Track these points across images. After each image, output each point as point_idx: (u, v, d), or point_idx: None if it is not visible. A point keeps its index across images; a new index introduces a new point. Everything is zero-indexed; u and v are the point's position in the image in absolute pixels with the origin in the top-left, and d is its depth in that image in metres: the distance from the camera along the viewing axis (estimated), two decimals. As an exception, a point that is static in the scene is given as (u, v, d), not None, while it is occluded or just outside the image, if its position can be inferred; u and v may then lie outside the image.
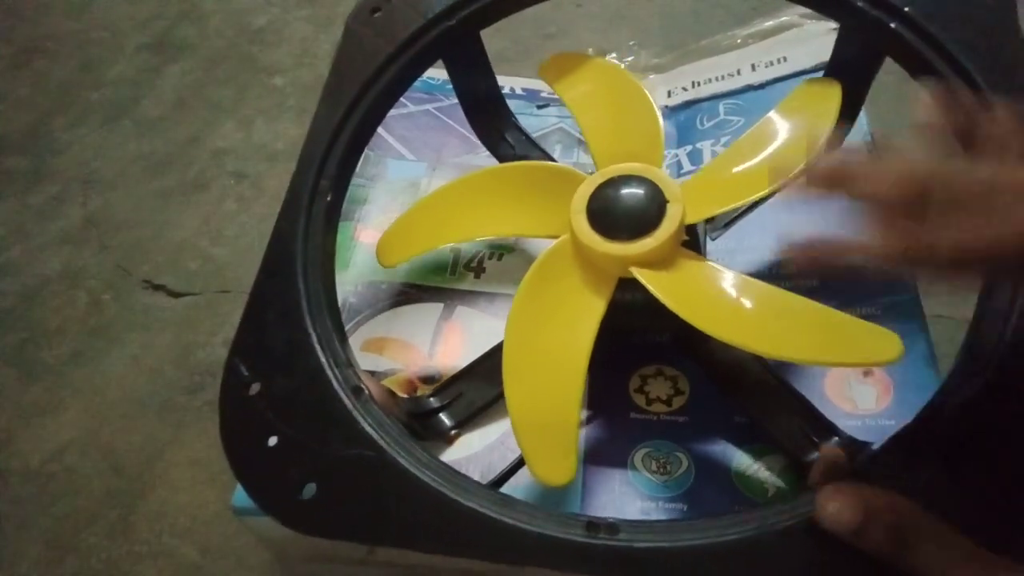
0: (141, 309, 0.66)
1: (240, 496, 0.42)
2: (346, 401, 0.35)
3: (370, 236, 0.54)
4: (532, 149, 0.55)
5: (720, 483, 0.41)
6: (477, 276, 0.52)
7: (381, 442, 0.33)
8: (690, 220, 0.39)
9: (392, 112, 0.51)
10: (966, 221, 0.25)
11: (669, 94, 0.65)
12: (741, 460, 0.41)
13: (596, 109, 0.47)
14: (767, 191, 0.39)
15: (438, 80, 0.66)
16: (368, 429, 0.34)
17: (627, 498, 0.40)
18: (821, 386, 0.43)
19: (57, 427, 0.59)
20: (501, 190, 0.45)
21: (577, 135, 0.61)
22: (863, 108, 0.57)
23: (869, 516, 0.26)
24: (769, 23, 0.68)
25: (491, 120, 0.55)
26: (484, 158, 0.57)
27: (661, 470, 0.41)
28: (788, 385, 0.40)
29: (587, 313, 0.38)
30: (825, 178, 0.29)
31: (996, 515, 0.27)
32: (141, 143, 0.80)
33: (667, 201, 0.38)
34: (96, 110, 0.84)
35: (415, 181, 0.58)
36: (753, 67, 0.63)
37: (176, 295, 0.66)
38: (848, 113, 0.45)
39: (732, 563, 0.28)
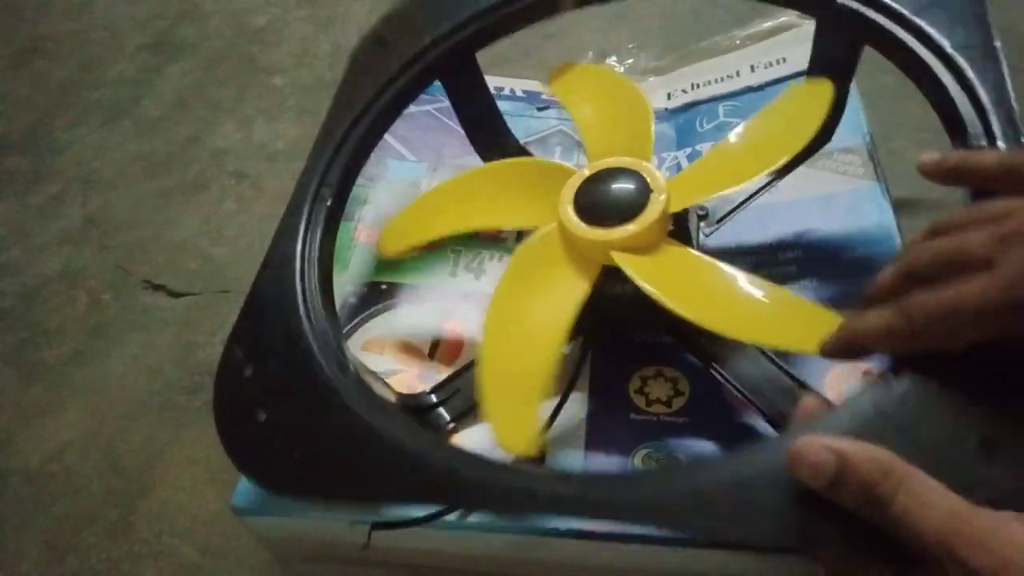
0: (141, 309, 0.66)
1: (240, 496, 0.42)
2: (330, 374, 0.36)
3: (370, 236, 0.54)
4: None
5: None
6: (477, 277, 0.52)
7: (362, 412, 0.34)
8: (674, 208, 0.40)
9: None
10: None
11: (669, 96, 0.65)
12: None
13: (592, 109, 0.49)
14: (751, 179, 0.41)
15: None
16: (350, 400, 0.35)
17: None
18: (820, 386, 0.43)
19: (57, 427, 0.59)
20: (496, 185, 0.47)
21: (577, 137, 0.61)
22: (863, 109, 0.57)
23: (844, 468, 0.25)
24: (768, 24, 0.68)
25: (489, 136, 0.56)
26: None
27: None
28: (788, 372, 0.40)
29: (569, 294, 0.39)
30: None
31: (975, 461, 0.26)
32: (141, 143, 0.80)
33: (651, 191, 0.40)
34: (96, 110, 0.84)
35: (415, 181, 0.58)
36: (752, 68, 0.63)
37: (176, 295, 0.66)
38: (835, 107, 0.46)
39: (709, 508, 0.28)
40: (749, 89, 0.62)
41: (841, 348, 0.31)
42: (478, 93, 0.54)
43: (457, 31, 0.48)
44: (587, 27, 0.86)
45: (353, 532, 0.40)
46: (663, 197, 0.39)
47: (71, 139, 0.81)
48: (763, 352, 0.41)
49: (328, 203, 0.43)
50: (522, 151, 0.57)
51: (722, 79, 0.64)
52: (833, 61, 0.46)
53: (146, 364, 0.62)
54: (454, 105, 0.54)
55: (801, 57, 0.61)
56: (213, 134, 0.80)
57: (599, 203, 0.40)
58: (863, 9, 0.41)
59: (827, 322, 0.32)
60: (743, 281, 0.37)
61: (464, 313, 0.50)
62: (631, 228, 0.38)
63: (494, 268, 0.52)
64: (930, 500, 0.24)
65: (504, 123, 0.56)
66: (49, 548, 0.52)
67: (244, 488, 0.42)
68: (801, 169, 0.51)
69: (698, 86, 0.64)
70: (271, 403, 0.36)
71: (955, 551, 0.22)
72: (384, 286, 0.52)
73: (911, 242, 0.31)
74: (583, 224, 0.39)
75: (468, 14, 0.48)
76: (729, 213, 0.49)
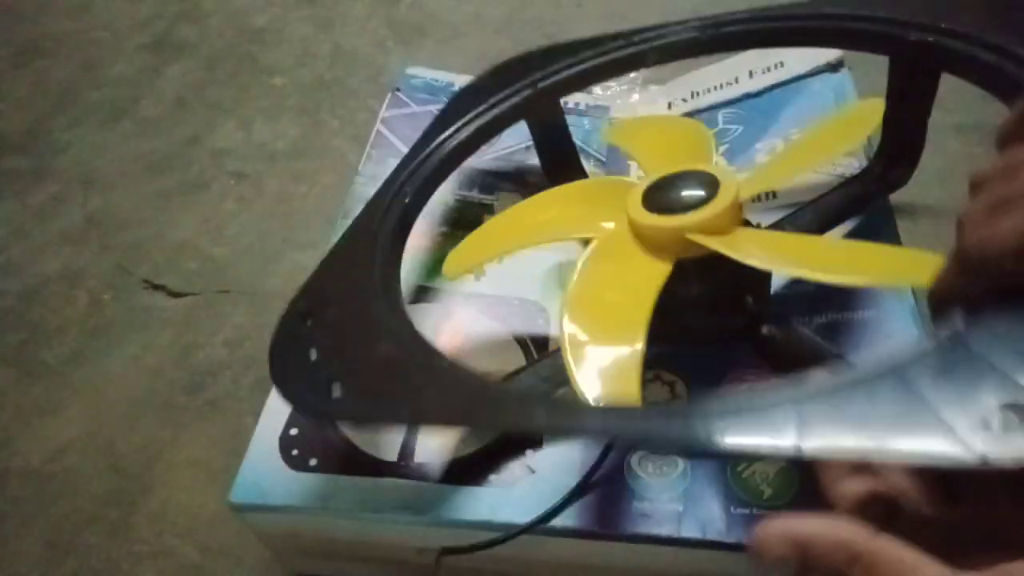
0: (141, 309, 0.66)
1: (238, 492, 0.42)
2: (382, 310, 0.37)
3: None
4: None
5: (715, 485, 0.41)
6: (477, 278, 0.52)
7: (400, 338, 0.35)
8: (745, 194, 0.40)
9: (395, 112, 0.51)
10: None
11: (669, 106, 0.65)
12: (737, 462, 0.41)
13: (649, 136, 0.52)
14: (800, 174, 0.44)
15: (441, 82, 0.66)
16: (399, 328, 0.35)
17: (623, 502, 0.40)
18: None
19: (57, 427, 0.59)
20: (558, 203, 0.47)
21: (580, 144, 0.61)
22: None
23: (806, 560, 0.22)
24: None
25: (566, 173, 0.57)
26: (486, 160, 0.58)
27: (658, 472, 0.41)
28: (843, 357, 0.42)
29: (648, 280, 0.38)
30: None
31: None
32: (141, 143, 0.80)
33: (720, 181, 0.40)
34: (96, 110, 0.84)
35: (416, 180, 0.59)
36: (751, 74, 0.64)
37: (176, 295, 0.66)
38: (908, 136, 0.49)
39: None
40: (747, 96, 0.62)
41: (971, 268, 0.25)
42: (559, 133, 0.57)
43: (547, 78, 0.52)
44: (587, 27, 0.86)
45: (421, 557, 0.40)
46: (734, 181, 0.39)
47: (71, 139, 0.81)
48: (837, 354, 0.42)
49: (407, 200, 0.45)
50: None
51: (721, 86, 0.64)
52: (911, 94, 0.47)
53: (146, 364, 0.62)
54: (537, 144, 0.57)
55: (798, 61, 0.62)
56: (213, 134, 0.80)
57: (669, 197, 0.40)
58: (937, 38, 0.41)
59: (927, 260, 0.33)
60: (835, 241, 0.38)
61: (463, 314, 0.50)
62: (707, 210, 0.38)
63: (493, 269, 0.52)
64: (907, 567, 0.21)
65: (581, 165, 0.59)
66: (49, 548, 0.52)
67: (242, 484, 0.42)
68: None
69: (698, 94, 0.65)
70: (320, 341, 0.36)
71: None
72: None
73: None
74: (655, 215, 0.39)
75: (559, 66, 0.52)
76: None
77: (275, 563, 0.49)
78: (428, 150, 0.48)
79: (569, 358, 0.35)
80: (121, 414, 0.59)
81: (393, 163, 0.59)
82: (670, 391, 0.45)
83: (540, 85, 0.51)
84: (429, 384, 0.32)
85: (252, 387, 0.59)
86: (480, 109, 0.50)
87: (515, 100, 0.51)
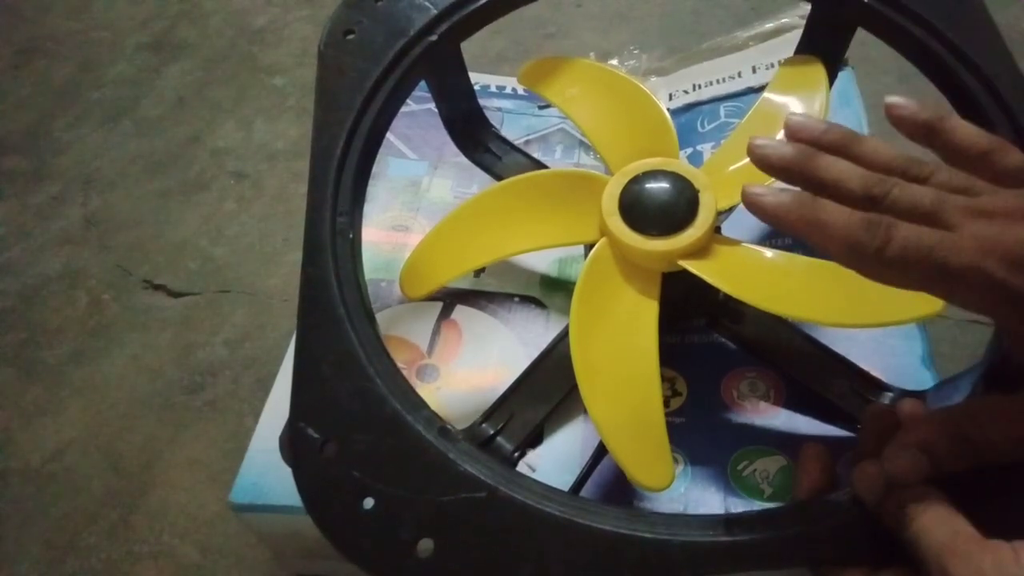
0: (141, 309, 0.66)
1: (238, 492, 0.42)
2: (437, 445, 0.32)
3: (371, 234, 0.54)
4: (517, 155, 0.55)
5: (716, 484, 0.41)
6: (476, 275, 0.52)
7: (490, 481, 0.31)
8: (721, 206, 0.39)
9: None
10: (918, 225, 0.26)
11: (671, 96, 0.65)
12: (737, 461, 0.41)
13: (594, 110, 0.47)
14: None
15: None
16: (471, 470, 0.31)
17: (623, 501, 0.40)
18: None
19: (57, 427, 0.59)
20: (522, 204, 0.44)
21: (579, 136, 0.61)
22: (865, 110, 0.57)
23: (889, 489, 0.28)
24: (769, 25, 0.68)
25: (473, 132, 0.55)
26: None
27: None
28: (829, 350, 0.42)
29: (644, 314, 0.38)
30: (812, 140, 0.30)
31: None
32: (141, 143, 0.80)
33: (698, 191, 0.39)
34: (96, 110, 0.84)
35: (416, 180, 0.58)
36: (754, 69, 0.63)
37: (176, 295, 0.66)
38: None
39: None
40: (750, 90, 0.62)
41: (786, 226, 0.28)
42: (463, 86, 0.53)
43: (440, 21, 0.43)
44: (587, 27, 0.86)
45: None
46: (711, 197, 0.39)
47: (71, 139, 0.81)
48: (822, 347, 0.43)
49: (350, 236, 0.39)
50: (506, 143, 0.56)
51: (723, 80, 0.64)
52: (825, 45, 0.47)
53: (146, 364, 0.62)
54: (437, 102, 0.53)
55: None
56: (213, 134, 0.80)
57: (649, 211, 0.39)
58: None
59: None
60: (809, 267, 0.37)
61: (463, 311, 0.50)
62: (692, 233, 0.38)
63: (493, 266, 0.52)
64: (940, 523, 0.26)
65: (485, 117, 0.56)
66: (49, 548, 0.52)
67: (242, 484, 0.42)
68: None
69: (699, 87, 0.64)
70: (373, 486, 0.32)
71: (943, 562, 0.25)
72: (384, 284, 0.52)
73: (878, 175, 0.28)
74: (639, 236, 0.38)
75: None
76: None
77: (275, 563, 0.49)
78: (336, 158, 0.40)
79: (613, 447, 0.35)
80: (121, 414, 0.59)
81: (393, 162, 0.60)
82: (670, 387, 0.45)
83: (441, 30, 0.43)
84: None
85: (252, 387, 0.59)
86: (373, 81, 0.42)
87: (415, 55, 0.43)
